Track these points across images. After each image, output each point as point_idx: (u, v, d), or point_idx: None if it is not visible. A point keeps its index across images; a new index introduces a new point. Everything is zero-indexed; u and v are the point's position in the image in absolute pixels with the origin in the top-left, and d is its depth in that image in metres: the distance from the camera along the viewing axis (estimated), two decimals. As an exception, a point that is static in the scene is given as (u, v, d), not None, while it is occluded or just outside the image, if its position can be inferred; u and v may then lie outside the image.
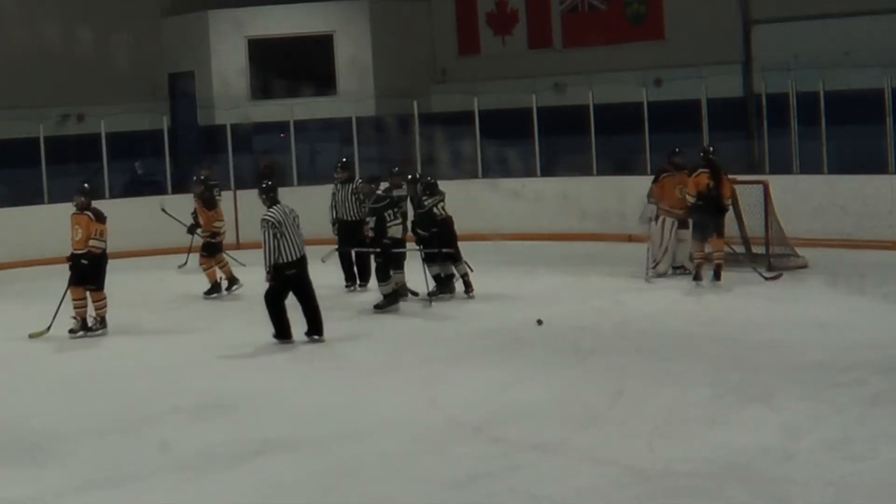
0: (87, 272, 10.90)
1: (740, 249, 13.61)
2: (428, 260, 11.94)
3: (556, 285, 13.32)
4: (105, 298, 10.99)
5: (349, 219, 12.72)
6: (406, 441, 7.27)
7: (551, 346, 10.16)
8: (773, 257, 13.24)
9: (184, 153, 19.90)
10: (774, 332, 10.36)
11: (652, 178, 13.52)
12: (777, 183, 14.00)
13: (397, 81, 19.99)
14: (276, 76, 19.91)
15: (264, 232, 10.15)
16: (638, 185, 14.35)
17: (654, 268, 13.06)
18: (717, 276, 12.72)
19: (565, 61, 19.70)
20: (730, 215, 13.40)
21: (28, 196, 17.33)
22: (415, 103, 18.39)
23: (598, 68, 18.89)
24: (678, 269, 13.12)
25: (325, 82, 20.18)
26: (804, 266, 13.11)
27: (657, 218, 13.11)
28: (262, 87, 20.18)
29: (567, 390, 8.60)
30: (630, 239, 14.19)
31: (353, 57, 20.37)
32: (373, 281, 12.06)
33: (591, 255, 14.69)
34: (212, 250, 12.71)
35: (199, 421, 7.98)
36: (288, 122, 18.43)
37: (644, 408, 8.11)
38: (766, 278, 12.78)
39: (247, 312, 11.61)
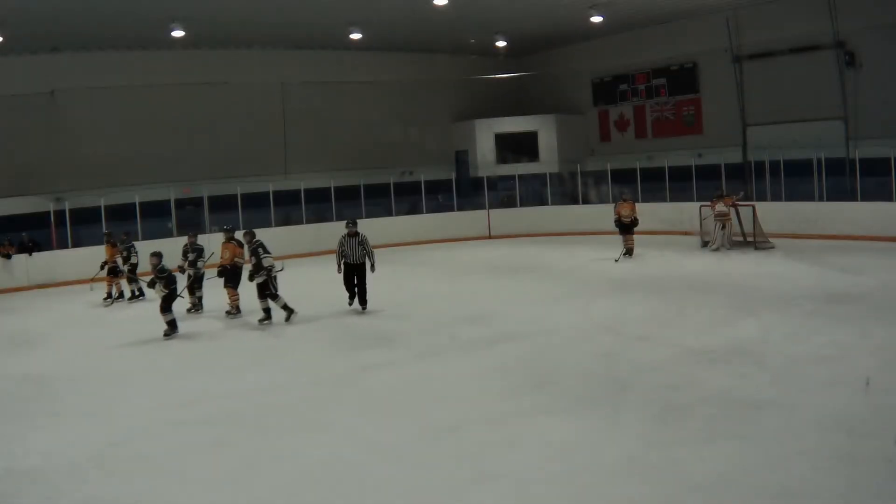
0: (228, 277, 12.20)
1: (739, 239, 16.91)
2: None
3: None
4: (238, 295, 12.03)
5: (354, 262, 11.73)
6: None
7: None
8: (757, 243, 16.30)
9: (463, 192, 24.58)
10: (757, 280, 12.12)
11: (706, 202, 17.24)
12: (760, 206, 17.16)
13: (569, 154, 24.94)
14: (507, 152, 25.25)
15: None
16: (696, 209, 18.18)
17: (713, 247, 15.86)
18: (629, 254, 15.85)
19: (654, 145, 24.24)
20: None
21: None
22: (577, 166, 23.06)
23: (669, 148, 23.35)
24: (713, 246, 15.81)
25: (532, 156, 25.14)
26: (772, 247, 16.30)
27: (714, 223, 16.29)
28: (502, 157, 25.32)
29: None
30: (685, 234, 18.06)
31: (547, 142, 25.41)
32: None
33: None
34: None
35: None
36: (514, 176, 23.99)
37: (690, 320, 9.66)
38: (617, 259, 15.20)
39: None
